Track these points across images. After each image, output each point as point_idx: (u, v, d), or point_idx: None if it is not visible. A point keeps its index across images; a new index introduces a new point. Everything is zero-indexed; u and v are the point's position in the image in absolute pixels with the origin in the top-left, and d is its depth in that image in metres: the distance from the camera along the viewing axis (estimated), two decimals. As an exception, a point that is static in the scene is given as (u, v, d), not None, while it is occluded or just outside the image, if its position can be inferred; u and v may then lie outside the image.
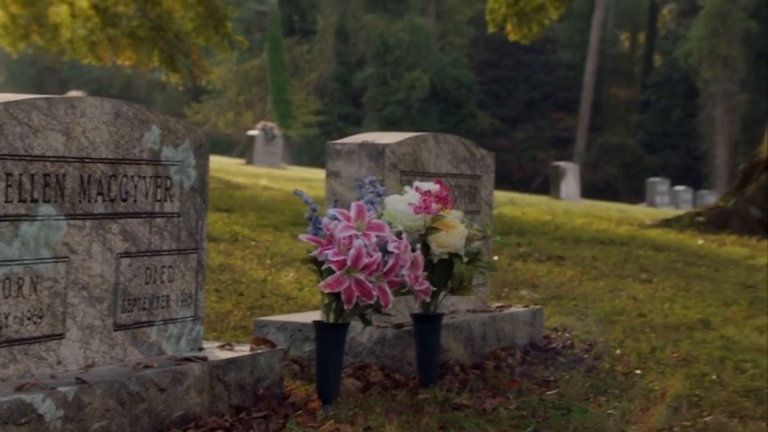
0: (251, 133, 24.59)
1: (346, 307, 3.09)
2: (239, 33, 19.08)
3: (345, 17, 44.01)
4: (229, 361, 2.95)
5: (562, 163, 20.76)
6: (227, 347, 3.14)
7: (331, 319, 3.19)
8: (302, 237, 3.14)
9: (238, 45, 17.47)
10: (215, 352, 3.05)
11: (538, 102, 44.33)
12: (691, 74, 40.88)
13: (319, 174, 21.93)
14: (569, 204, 15.75)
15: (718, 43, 39.40)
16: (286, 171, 20.72)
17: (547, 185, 22.86)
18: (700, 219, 10.01)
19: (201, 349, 3.08)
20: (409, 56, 41.81)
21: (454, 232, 3.38)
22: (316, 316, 3.56)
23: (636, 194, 36.18)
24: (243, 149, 28.89)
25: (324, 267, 3.08)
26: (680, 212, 15.92)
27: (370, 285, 3.08)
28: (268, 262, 6.32)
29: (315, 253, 3.09)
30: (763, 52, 39.13)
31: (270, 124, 24.64)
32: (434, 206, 3.37)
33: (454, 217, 3.42)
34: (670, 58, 43.51)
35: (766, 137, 10.75)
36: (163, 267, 2.94)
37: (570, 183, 19.47)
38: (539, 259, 7.21)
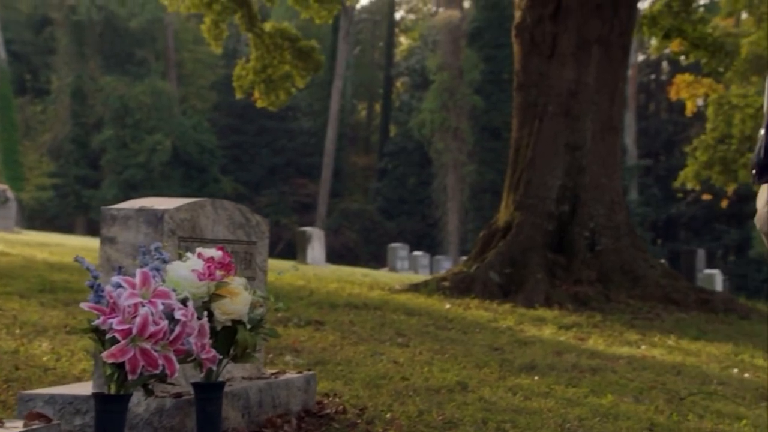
0: (-19, 195, 23.16)
1: (130, 377, 2.99)
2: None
3: (82, 78, 42.75)
4: (4, 440, 2.77)
5: (308, 229, 21.09)
6: (-2, 425, 2.94)
7: (113, 391, 3.07)
8: (84, 305, 3.02)
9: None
10: (-14, 430, 2.85)
11: (280, 168, 44.86)
12: (424, 144, 42.85)
13: (56, 238, 20.96)
14: (316, 269, 15.96)
15: (448, 116, 41.66)
16: (22, 236, 19.65)
17: (291, 250, 23.08)
18: (446, 284, 10.46)
19: (-31, 428, 2.87)
20: (150, 119, 41.17)
21: (238, 299, 3.37)
22: (83, 387, 3.42)
23: (375, 259, 37.25)
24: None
25: (108, 336, 2.97)
26: (422, 277, 16.54)
27: (156, 354, 3.00)
28: (17, 331, 5.97)
29: (98, 322, 2.98)
30: (487, 126, 41.70)
31: (2, 186, 23.34)
32: (218, 273, 3.36)
33: (237, 283, 3.41)
34: (405, 128, 45.46)
35: (503, 206, 11.44)
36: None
37: (316, 248, 19.79)
38: (299, 324, 7.26)
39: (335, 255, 32.44)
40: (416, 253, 27.71)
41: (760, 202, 2.96)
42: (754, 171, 2.96)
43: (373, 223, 41.85)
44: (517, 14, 11.71)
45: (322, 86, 43.63)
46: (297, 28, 19.24)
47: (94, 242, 20.69)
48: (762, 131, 2.94)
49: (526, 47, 11.40)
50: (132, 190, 37.94)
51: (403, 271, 23.98)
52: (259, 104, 18.36)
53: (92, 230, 33.01)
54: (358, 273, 16.49)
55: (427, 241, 40.54)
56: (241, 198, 42.14)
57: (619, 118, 11.56)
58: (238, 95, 18.58)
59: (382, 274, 17.84)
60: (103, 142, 41.51)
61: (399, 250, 25.59)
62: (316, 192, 42.82)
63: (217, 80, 46.31)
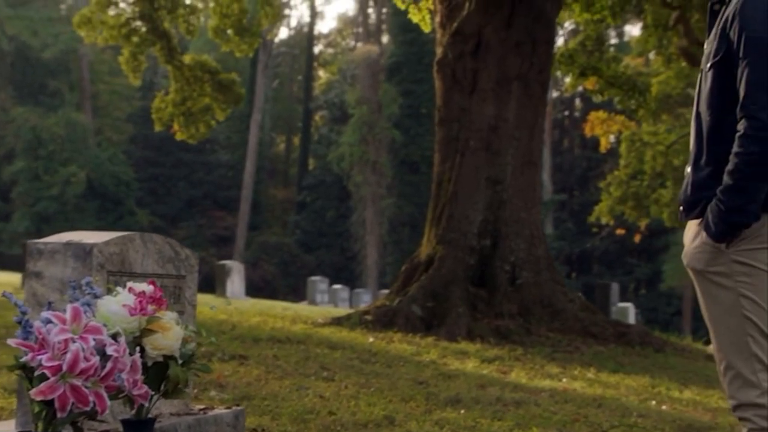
0: None
1: (59, 414, 2.92)
2: None
3: (-7, 109, 41.85)
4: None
5: (227, 262, 20.89)
6: None
7: (40, 429, 2.99)
8: (11, 342, 2.95)
9: None
10: None
11: (198, 200, 44.43)
12: (343, 177, 42.89)
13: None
14: (236, 302, 15.82)
15: (367, 150, 41.83)
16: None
17: (209, 283, 22.82)
18: (368, 317, 10.46)
19: None
20: (64, 151, 40.42)
21: (169, 333, 3.32)
22: (5, 426, 3.32)
23: (294, 292, 37.04)
24: None
25: (36, 373, 2.90)
26: (342, 311, 16.52)
27: (87, 390, 2.94)
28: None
29: (26, 358, 2.91)
30: (405, 160, 41.97)
31: None
32: (150, 307, 3.31)
33: (169, 318, 3.36)
34: (323, 162, 45.45)
35: (425, 240, 11.52)
36: None
37: (235, 281, 19.62)
38: (223, 358, 7.18)
39: (254, 288, 32.19)
40: (336, 286, 27.66)
41: (686, 238, 3.04)
42: (681, 208, 3.05)
43: (292, 256, 41.65)
44: (439, 50, 11.88)
45: (241, 119, 43.44)
46: (215, 61, 19.18)
47: (4, 276, 20.15)
48: (688, 168, 3.03)
49: (448, 83, 11.55)
50: (44, 223, 37.13)
51: (323, 305, 23.90)
52: (179, 137, 18.22)
53: (1, 264, 32.12)
54: (279, 306, 16.39)
55: (346, 274, 40.50)
56: (158, 231, 41.48)
57: (539, 153, 11.78)
58: (158, 128, 18.42)
59: (302, 308, 17.76)
60: (15, 173, 40.58)
61: (318, 283, 25.51)
62: (234, 225, 42.49)
63: (134, 112, 45.77)
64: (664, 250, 37.72)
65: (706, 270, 2.93)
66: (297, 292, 36.31)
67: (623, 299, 30.43)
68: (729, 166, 2.75)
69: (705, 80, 2.94)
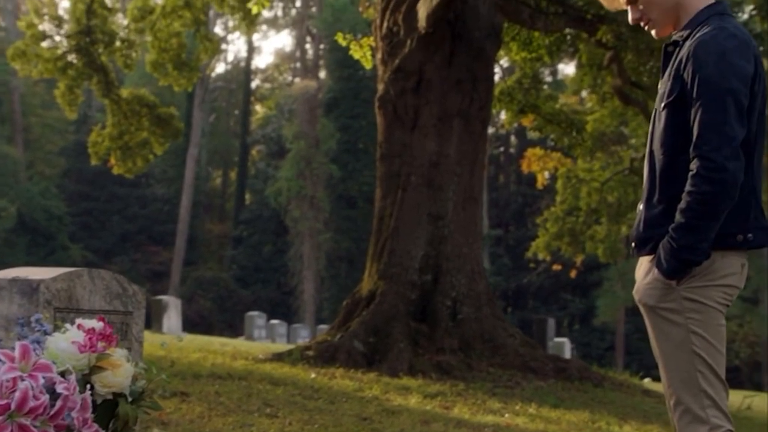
0: None
1: (7, 456, 2.85)
2: None
3: None
4: None
5: (164, 297, 20.63)
6: None
7: (-14, 471, 2.91)
8: (-42, 381, 2.87)
9: None
10: None
11: (132, 235, 43.85)
12: (280, 212, 42.73)
13: None
14: (173, 338, 15.60)
15: (305, 184, 41.78)
16: None
17: (146, 319, 22.47)
18: (310, 353, 10.40)
19: None
20: (-6, 184, 39.66)
21: (119, 371, 3.26)
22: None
23: (230, 328, 36.69)
24: None
25: (-17, 413, 2.83)
26: (280, 346, 16.38)
27: (36, 430, 2.87)
28: None
29: (-27, 398, 2.83)
30: (343, 195, 42.02)
31: None
32: (100, 344, 3.25)
33: (119, 355, 3.31)
34: (260, 196, 45.26)
35: (366, 275, 11.51)
36: None
37: (172, 317, 19.38)
38: (164, 395, 7.06)
39: (189, 324, 31.81)
40: (273, 321, 27.46)
41: (638, 275, 3.09)
42: (633, 244, 3.10)
43: (228, 291, 41.27)
44: (380, 87, 11.96)
45: (177, 153, 43.09)
46: (151, 94, 19.08)
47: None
48: (640, 206, 3.09)
49: (389, 119, 11.62)
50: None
51: (261, 340, 23.70)
52: (116, 171, 18.02)
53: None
54: (217, 342, 16.20)
55: (283, 309, 40.25)
56: (91, 266, 40.86)
57: (480, 188, 11.88)
58: (94, 162, 18.20)
59: (240, 343, 17.59)
60: (-58, 207, 39.74)
61: (256, 318, 25.30)
62: (170, 260, 42.01)
63: (67, 146, 45.16)
64: (597, 286, 38.23)
65: (657, 306, 2.98)
66: (233, 328, 35.96)
67: (558, 334, 30.72)
68: (682, 205, 2.81)
69: (659, 119, 3.00)
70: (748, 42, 2.91)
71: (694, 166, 2.79)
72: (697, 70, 2.84)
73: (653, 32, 3.16)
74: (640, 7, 3.10)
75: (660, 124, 2.98)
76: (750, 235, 2.91)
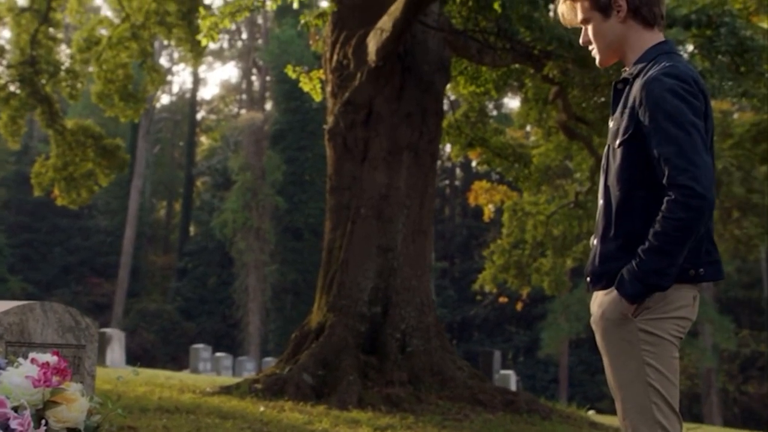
0: None
1: (-42, 494, 2.79)
2: None
3: None
4: None
5: (107, 330, 20.33)
6: None
7: None
8: None
9: None
10: None
11: (74, 267, 43.20)
12: (226, 244, 42.43)
13: None
14: (117, 371, 15.37)
15: (250, 216, 41.58)
16: None
17: (88, 353, 22.04)
18: (258, 386, 10.31)
19: None
20: (-68, 215, 38.87)
21: (74, 405, 3.22)
22: None
23: (174, 360, 36.22)
24: None
25: (-65, 450, 2.77)
26: (226, 379, 16.23)
27: (-11, 467, 2.82)
28: None
29: (-75, 434, 2.78)
30: (289, 226, 41.89)
31: None
32: (54, 379, 3.20)
33: (74, 390, 3.26)
34: (206, 228, 44.93)
35: (315, 308, 11.48)
36: None
37: (115, 350, 19.09)
38: (110, 430, 6.96)
39: (133, 357, 31.33)
40: (219, 354, 27.16)
41: (593, 308, 3.12)
42: (588, 279, 3.13)
43: (173, 323, 40.77)
44: (330, 119, 11.99)
45: (121, 184, 42.66)
46: (97, 125, 18.92)
47: None
48: (594, 240, 3.12)
49: (339, 151, 11.65)
50: None
51: (206, 373, 23.42)
52: (59, 202, 17.81)
53: None
54: (162, 375, 16.00)
55: (228, 341, 39.86)
56: (31, 298, 40.13)
57: (429, 221, 11.94)
58: (37, 193, 17.96)
59: (186, 376, 17.37)
60: None
61: (201, 351, 25.00)
62: (112, 292, 41.45)
63: (7, 176, 44.46)
64: (542, 318, 38.49)
65: (613, 338, 3.01)
66: (177, 360, 35.53)
67: (504, 367, 30.83)
68: (656, 228, 2.83)
69: (613, 156, 3.05)
70: (697, 80, 2.97)
71: (671, 193, 2.80)
72: (655, 107, 2.89)
73: (597, 60, 3.22)
74: (590, 32, 3.17)
75: (615, 161, 3.03)
76: (702, 269, 2.96)
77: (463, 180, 47.55)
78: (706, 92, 3.01)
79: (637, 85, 2.98)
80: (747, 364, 38.73)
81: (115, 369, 16.75)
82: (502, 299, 31.26)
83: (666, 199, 2.83)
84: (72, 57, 17.47)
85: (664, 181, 2.84)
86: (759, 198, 18.87)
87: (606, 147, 3.13)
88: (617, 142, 3.02)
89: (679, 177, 2.81)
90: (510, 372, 26.07)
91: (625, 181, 2.98)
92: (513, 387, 22.72)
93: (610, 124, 3.13)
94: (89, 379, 4.15)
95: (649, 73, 2.96)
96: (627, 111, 3.00)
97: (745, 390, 38.00)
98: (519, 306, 29.21)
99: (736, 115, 26.77)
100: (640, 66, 3.04)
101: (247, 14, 11.09)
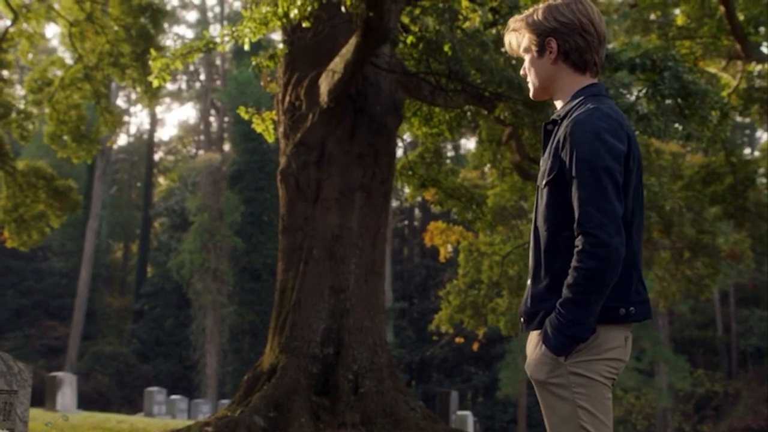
0: None
1: None
2: None
3: None
4: None
5: (58, 374, 19.99)
6: None
7: None
8: None
9: None
10: None
11: (27, 309, 42.52)
12: (183, 285, 42.05)
13: None
14: (59, 416, 15.11)
15: (208, 257, 41.29)
16: None
17: (40, 396, 21.73)
18: (209, 429, 10.17)
19: None
20: None
21: (1, 453, 3.16)
22: None
23: (129, 403, 35.69)
24: None
25: None
26: (180, 422, 16.01)
27: None
28: None
29: None
30: (247, 267, 41.64)
31: None
32: (-20, 426, 3.14)
33: (1, 436, 3.20)
34: (163, 269, 44.49)
35: (268, 349, 11.38)
36: None
37: (67, 394, 18.74)
38: (53, 477, 6.82)
39: (87, 401, 30.87)
40: (174, 396, 26.78)
41: (528, 349, 3.12)
42: (522, 319, 3.13)
43: (128, 366, 40.21)
44: (282, 160, 11.99)
45: (76, 226, 42.23)
46: (49, 166, 18.75)
47: None
48: (528, 281, 3.13)
49: (291, 192, 11.64)
50: None
51: (161, 416, 23.09)
52: (9, 244, 17.58)
53: None
54: (114, 419, 15.76)
55: (185, 384, 39.37)
56: (-18, 341, 39.45)
57: (382, 262, 11.92)
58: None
59: (139, 420, 17.12)
60: None
61: (156, 394, 24.65)
62: (67, 334, 40.82)
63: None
64: (500, 358, 38.47)
65: (545, 381, 3.01)
66: (133, 404, 35.02)
67: (462, 407, 30.72)
68: (568, 280, 2.85)
69: (541, 197, 3.07)
70: (622, 122, 3.00)
71: (579, 242, 2.84)
72: (574, 149, 2.92)
73: (530, 91, 3.26)
74: (526, 65, 3.21)
75: (542, 202, 3.05)
76: (632, 308, 2.97)
77: (421, 220, 47.66)
78: (631, 135, 3.03)
79: (563, 126, 3.01)
80: (702, 404, 38.94)
81: (67, 414, 16.46)
82: (459, 339, 31.22)
83: (575, 249, 2.85)
84: (24, 98, 17.35)
85: (575, 226, 2.87)
86: (710, 239, 19.09)
87: (536, 188, 3.15)
88: (543, 182, 3.04)
89: (586, 224, 2.83)
90: (467, 413, 25.96)
91: (551, 223, 2.99)
92: (470, 428, 22.64)
93: (540, 164, 3.15)
94: (21, 425, 4.08)
95: (574, 115, 2.99)
96: (552, 152, 3.02)
97: (701, 429, 38.16)
98: (475, 346, 29.20)
99: (687, 157, 27.17)
100: (568, 107, 3.07)
101: (200, 55, 11.09)
